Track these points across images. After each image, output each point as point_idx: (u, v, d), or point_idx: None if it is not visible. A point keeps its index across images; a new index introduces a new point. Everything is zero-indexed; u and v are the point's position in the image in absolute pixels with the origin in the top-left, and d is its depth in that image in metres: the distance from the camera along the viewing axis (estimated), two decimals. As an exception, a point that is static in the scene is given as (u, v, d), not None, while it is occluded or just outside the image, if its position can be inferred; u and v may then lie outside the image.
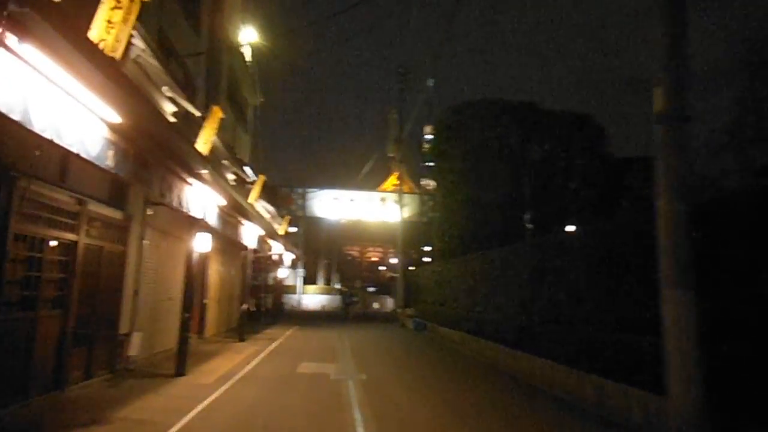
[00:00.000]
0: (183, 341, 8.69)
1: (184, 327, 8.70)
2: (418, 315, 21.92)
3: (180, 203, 6.77)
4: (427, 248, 38.19)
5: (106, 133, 4.24)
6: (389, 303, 45.37)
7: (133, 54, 6.11)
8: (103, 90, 3.86)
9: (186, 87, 10.40)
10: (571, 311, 8.66)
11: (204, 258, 14.25)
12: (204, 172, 6.35)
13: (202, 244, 8.81)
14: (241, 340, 13.81)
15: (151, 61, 6.34)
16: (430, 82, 24.06)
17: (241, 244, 12.55)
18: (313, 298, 38.67)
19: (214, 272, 15.34)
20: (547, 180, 19.64)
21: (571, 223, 18.05)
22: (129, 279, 9.21)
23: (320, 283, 46.58)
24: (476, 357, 12.49)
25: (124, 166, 4.68)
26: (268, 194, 18.36)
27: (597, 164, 18.43)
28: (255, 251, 13.90)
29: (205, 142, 7.34)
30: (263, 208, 15.21)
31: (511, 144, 19.09)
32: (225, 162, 10.98)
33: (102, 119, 4.17)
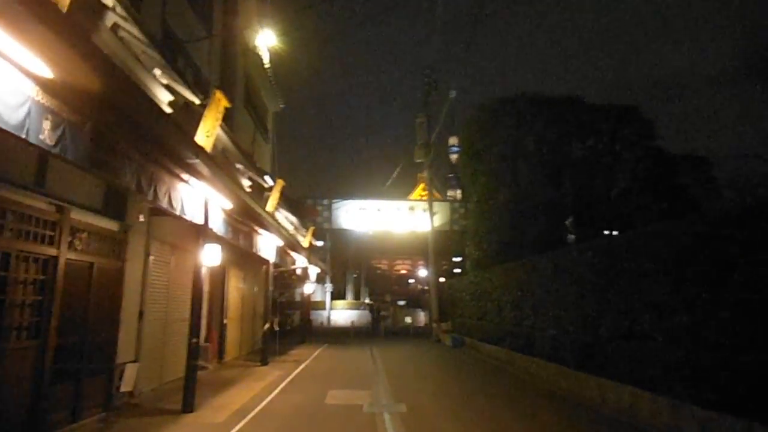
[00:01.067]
0: (191, 371, 7.42)
1: (192, 354, 7.43)
2: (455, 330, 20.34)
3: (171, 203, 5.54)
4: (457, 259, 36.63)
5: (32, 91, 3.04)
6: (421, 317, 43.74)
7: (108, 21, 4.95)
8: (24, 29, 2.65)
9: (196, 84, 9.36)
10: (655, 325, 7.07)
11: (222, 274, 13.12)
12: (195, 161, 5.10)
13: (210, 256, 7.58)
14: (264, 363, 12.54)
15: (132, 31, 5.18)
16: (453, 94, 22.71)
17: (260, 257, 11.34)
18: (342, 314, 37.36)
19: (234, 289, 14.18)
20: (590, 180, 17.95)
21: (618, 228, 16.31)
22: (130, 300, 8.04)
23: (349, 298, 45.29)
24: (528, 378, 10.89)
25: (73, 146, 3.46)
26: (291, 206, 17.23)
27: (649, 161, 16.65)
28: (276, 265, 12.67)
29: (207, 134, 6.11)
30: (285, 218, 14.02)
31: (550, 142, 17.49)
32: (239, 166, 9.81)
33: (24, 69, 2.96)
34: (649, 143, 16.95)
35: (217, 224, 6.78)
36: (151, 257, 8.98)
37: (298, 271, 14.61)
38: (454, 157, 63.97)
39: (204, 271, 7.75)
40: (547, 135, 17.68)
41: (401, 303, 47.41)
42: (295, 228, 15.84)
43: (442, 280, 29.50)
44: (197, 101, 6.31)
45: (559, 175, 17.57)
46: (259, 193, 10.81)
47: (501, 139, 17.58)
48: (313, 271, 17.65)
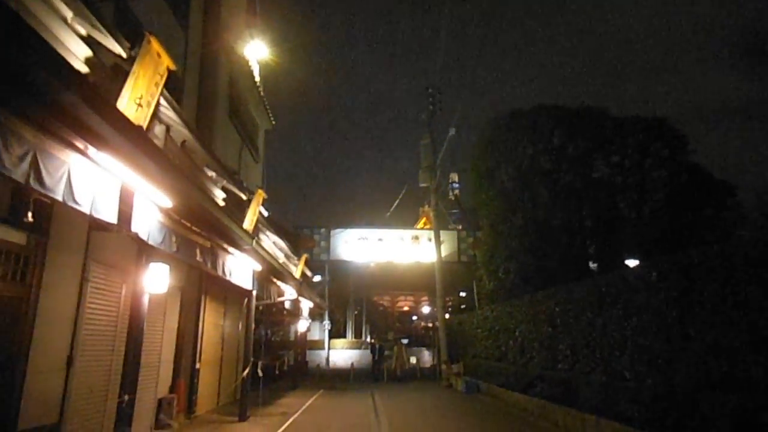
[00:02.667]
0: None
1: (122, 418, 5.30)
2: (467, 372, 17.98)
3: (72, 194, 3.56)
4: (462, 294, 34.26)
5: None
6: (426, 356, 41.01)
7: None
8: None
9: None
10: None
11: (195, 307, 11.03)
12: (106, 128, 3.20)
13: (155, 281, 5.56)
14: (243, 419, 10.29)
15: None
16: (452, 132, 21.32)
17: (238, 286, 9.30)
18: (341, 354, 34.78)
19: (212, 326, 12.04)
20: (614, 201, 16.02)
21: (645, 255, 14.28)
22: (47, 342, 5.97)
23: (349, 337, 42.69)
24: (572, 438, 8.64)
25: None
26: (285, 235, 15.25)
27: (684, 178, 14.75)
28: (258, 297, 10.59)
29: (137, 101, 4.22)
30: (272, 243, 12.02)
31: (570, 159, 15.67)
32: (210, 173, 7.90)
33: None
34: (683, 158, 15.09)
35: (154, 232, 4.80)
36: (90, 284, 6.96)
37: (287, 305, 12.49)
38: (455, 193, 62.33)
39: (144, 299, 5.70)
40: (567, 151, 15.87)
41: (404, 341, 44.79)
42: (286, 256, 13.83)
43: (447, 316, 27.19)
44: (125, 54, 4.43)
45: (581, 196, 15.65)
46: (238, 209, 8.85)
47: (515, 156, 15.75)
48: (306, 305, 15.49)
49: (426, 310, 70.48)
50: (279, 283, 11.15)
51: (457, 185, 64.79)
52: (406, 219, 30.59)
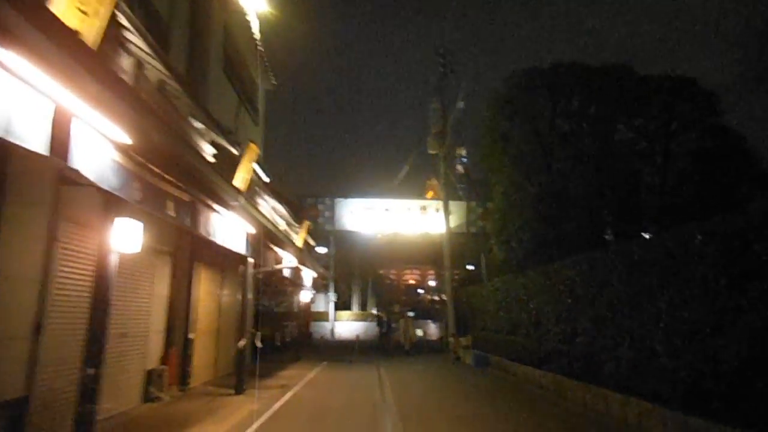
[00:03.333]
0: (83, 421, 4.56)
1: (86, 396, 4.58)
2: (476, 346, 17.35)
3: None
4: (470, 267, 33.53)
5: None
6: (432, 329, 40.60)
7: None
8: None
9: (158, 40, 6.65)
10: None
11: (187, 275, 10.32)
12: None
13: (125, 239, 4.78)
14: (239, 391, 9.66)
15: None
16: (461, 104, 20.38)
17: (234, 252, 8.55)
18: (347, 326, 34.41)
19: (206, 295, 11.36)
20: (638, 166, 15.03)
21: (669, 224, 13.37)
22: (10, 305, 5.25)
23: (355, 309, 42.35)
24: (594, 416, 7.91)
25: None
26: (288, 204, 14.44)
27: (714, 142, 13.70)
28: (256, 264, 9.84)
29: (80, 3, 3.34)
30: (271, 208, 11.22)
31: (591, 120, 14.63)
32: (198, 125, 7.04)
33: None
34: (714, 121, 14.02)
35: (108, 173, 3.94)
36: (60, 245, 6.20)
37: (287, 273, 11.75)
38: (461, 168, 60.97)
39: (112, 259, 4.92)
40: (587, 113, 14.83)
41: (410, 314, 44.42)
42: (288, 224, 13.05)
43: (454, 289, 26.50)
44: None
45: (601, 162, 14.67)
46: (232, 167, 8.01)
47: (532, 118, 14.73)
48: (308, 275, 14.78)
49: (432, 283, 70.23)
50: (278, 250, 10.40)
51: (464, 159, 63.22)
52: (412, 190, 29.74)
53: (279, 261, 10.77)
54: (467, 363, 16.43)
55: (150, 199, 4.54)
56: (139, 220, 4.95)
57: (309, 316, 24.69)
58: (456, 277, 41.22)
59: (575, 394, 9.09)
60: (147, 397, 8.69)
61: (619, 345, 7.97)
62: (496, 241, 16.15)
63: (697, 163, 13.55)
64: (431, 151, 20.98)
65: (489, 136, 15.71)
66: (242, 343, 9.67)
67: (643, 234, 14.06)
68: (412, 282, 78.86)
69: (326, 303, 35.46)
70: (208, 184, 5.29)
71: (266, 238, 9.29)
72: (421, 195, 28.13)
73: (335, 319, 33.31)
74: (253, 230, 7.72)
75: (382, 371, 14.37)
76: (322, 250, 32.48)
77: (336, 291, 35.06)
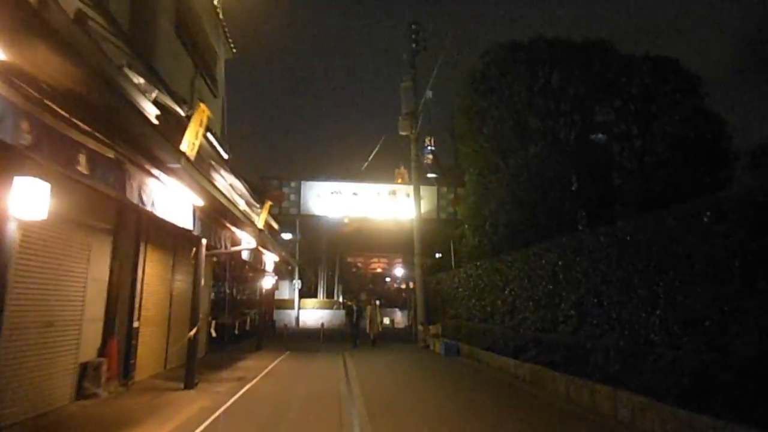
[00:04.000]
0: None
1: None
2: (446, 334, 16.75)
3: None
4: (438, 255, 33.00)
5: None
6: (398, 317, 40.06)
7: None
8: None
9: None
10: None
11: (132, 255, 9.21)
12: None
13: (27, 203, 3.75)
14: (189, 386, 8.67)
15: None
16: (429, 95, 19.79)
17: (187, 233, 7.50)
18: (312, 314, 33.46)
19: (156, 279, 10.24)
20: (615, 149, 14.56)
21: (647, 208, 13.01)
22: None
23: (321, 297, 41.41)
24: (580, 411, 7.30)
25: None
26: (251, 188, 13.30)
27: (695, 125, 13.28)
28: (209, 246, 8.80)
29: None
30: (229, 185, 10.15)
31: (570, 99, 14.03)
32: (138, 79, 5.94)
33: None
34: (694, 103, 13.62)
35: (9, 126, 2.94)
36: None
37: (245, 256, 10.70)
38: (429, 157, 60.20)
39: (10, 229, 3.88)
40: (567, 92, 14.23)
41: (377, 302, 43.85)
42: (248, 204, 11.98)
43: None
44: None
45: (580, 142, 14.14)
46: (177, 131, 6.93)
47: (510, 96, 14.03)
48: (270, 259, 13.75)
49: (399, 272, 69.87)
50: (234, 229, 9.36)
51: (430, 149, 62.29)
52: (382, 175, 28.82)
53: (236, 242, 9.74)
54: (437, 352, 15.80)
55: (51, 149, 3.51)
56: (47, 180, 3.91)
57: (272, 303, 23.64)
58: (424, 264, 40.72)
59: (556, 385, 8.49)
60: (80, 394, 7.62)
61: (607, 333, 7.37)
62: (470, 226, 15.49)
63: (677, 148, 13.13)
64: (402, 132, 20.09)
65: (464, 115, 14.95)
66: (193, 332, 8.65)
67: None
68: (378, 270, 78.47)
69: (291, 290, 34.40)
70: (140, 137, 4.29)
71: (221, 215, 8.26)
72: (391, 180, 27.22)
73: (300, 307, 32.32)
74: (201, 202, 6.68)
75: (349, 361, 13.57)
76: (287, 236, 31.39)
77: (301, 278, 34.04)
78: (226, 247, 9.04)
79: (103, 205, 7.65)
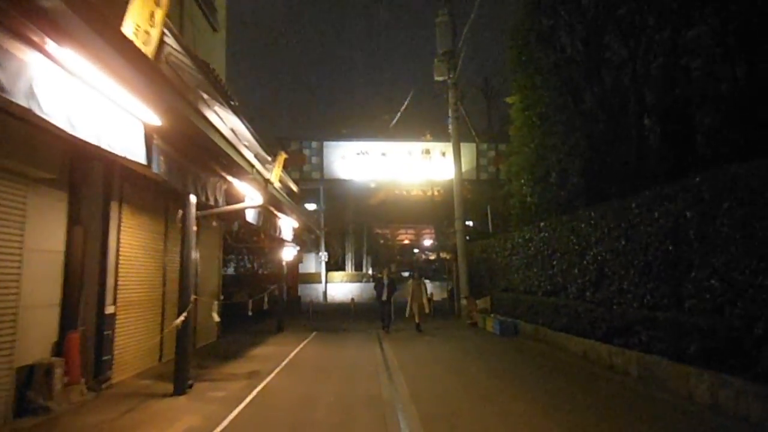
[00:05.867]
0: None
1: None
2: (497, 310, 14.30)
3: None
4: (469, 223, 30.30)
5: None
6: (430, 290, 37.79)
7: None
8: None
9: None
10: None
11: (99, 220, 6.94)
12: None
13: None
14: (179, 390, 6.44)
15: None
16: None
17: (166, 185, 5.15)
18: (340, 288, 31.44)
19: (139, 251, 7.98)
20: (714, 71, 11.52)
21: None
22: None
23: (349, 269, 39.35)
24: (728, 423, 4.79)
25: None
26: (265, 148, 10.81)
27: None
28: (200, 204, 6.43)
29: None
30: (226, 125, 7.66)
31: (665, 9, 10.98)
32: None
33: None
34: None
35: None
36: None
37: (250, 217, 8.20)
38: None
39: None
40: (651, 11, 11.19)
41: (405, 275, 41.60)
42: (260, 159, 9.57)
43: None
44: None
45: (670, 67, 11.14)
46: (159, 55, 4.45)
47: (583, 8, 11.09)
48: (287, 225, 11.36)
49: (427, 243, 67.47)
50: (232, 179, 6.93)
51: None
52: (413, 131, 26.14)
53: (237, 199, 7.37)
54: (489, 331, 13.37)
55: None
56: None
57: (296, 277, 21.54)
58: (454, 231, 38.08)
59: (689, 386, 5.94)
60: (21, 410, 5.46)
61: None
62: (527, 180, 12.75)
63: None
64: (438, 78, 17.25)
65: (518, 44, 12.04)
66: (180, 320, 6.36)
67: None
68: (406, 242, 76.19)
69: (317, 263, 32.33)
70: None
71: (209, 155, 5.83)
72: (423, 137, 24.47)
73: (327, 281, 30.25)
74: (156, 119, 4.18)
75: (386, 344, 11.29)
76: (311, 206, 29.10)
77: (327, 250, 31.88)
78: (217, 202, 6.63)
79: (38, 142, 5.31)
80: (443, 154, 21.43)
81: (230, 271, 23.47)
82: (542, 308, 10.98)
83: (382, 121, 26.41)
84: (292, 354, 9.96)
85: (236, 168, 6.28)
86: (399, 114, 21.15)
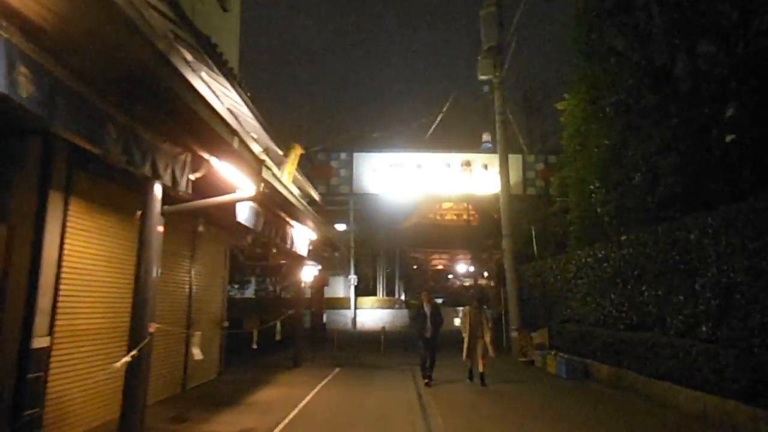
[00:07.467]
0: None
1: None
2: (557, 345, 11.79)
3: None
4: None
5: None
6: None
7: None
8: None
9: None
10: None
11: (30, 214, 5.02)
12: None
13: None
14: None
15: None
16: (485, 90, 18.32)
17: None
18: (371, 314, 29.14)
19: (98, 260, 6.02)
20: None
21: None
22: None
23: (380, 294, 37.02)
24: None
25: None
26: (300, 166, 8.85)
27: None
28: (173, 197, 4.44)
29: None
30: (222, 103, 5.66)
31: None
32: None
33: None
34: None
35: None
36: None
37: (242, 216, 6.04)
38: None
39: None
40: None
41: (439, 301, 38.96)
42: (269, 154, 7.62)
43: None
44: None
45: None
46: None
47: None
48: (302, 235, 9.18)
49: (462, 268, 64.65)
50: (209, 157, 4.87)
51: (489, 146, 55.58)
52: (451, 141, 23.98)
53: (221, 188, 5.34)
54: (550, 372, 10.85)
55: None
56: None
57: (321, 301, 19.40)
58: (498, 256, 35.37)
59: None
60: None
61: None
62: (599, 187, 10.35)
63: None
64: (482, 77, 15.13)
65: (590, 13, 9.84)
66: (125, 360, 4.30)
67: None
68: (440, 267, 73.48)
69: (346, 287, 30.25)
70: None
71: (161, 109, 3.81)
72: (462, 148, 22.28)
73: (357, 306, 28.04)
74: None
75: (422, 385, 8.97)
76: (340, 227, 27.14)
77: (357, 273, 29.77)
78: (177, 183, 4.58)
79: None
80: (485, 166, 19.19)
81: (249, 293, 21.62)
82: (627, 347, 8.47)
83: (416, 129, 24.39)
84: (305, 400, 7.76)
85: (209, 134, 4.22)
86: (438, 120, 19.08)
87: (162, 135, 4.13)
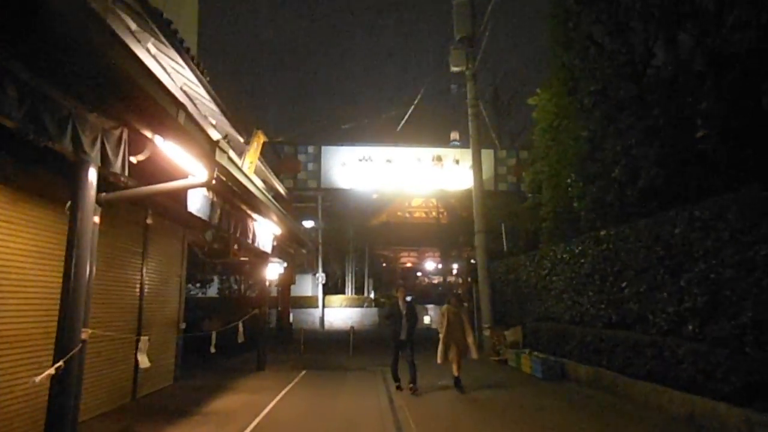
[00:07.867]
0: None
1: None
2: (533, 344, 11.47)
3: None
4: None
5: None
6: (434, 315, 34.78)
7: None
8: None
9: None
10: None
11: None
12: None
13: None
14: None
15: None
16: (454, 89, 16.61)
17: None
18: (339, 313, 28.46)
19: (5, 256, 5.26)
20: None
21: None
22: None
23: (349, 293, 36.38)
24: None
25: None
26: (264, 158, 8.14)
27: None
28: (114, 183, 3.76)
29: None
30: (174, 81, 4.95)
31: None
32: None
33: None
34: None
35: None
36: None
37: (193, 206, 5.45)
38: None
39: None
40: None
41: (408, 299, 38.59)
42: (230, 142, 6.95)
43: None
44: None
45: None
46: None
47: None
48: (265, 230, 8.52)
49: (430, 266, 64.65)
50: (156, 138, 4.23)
51: (457, 144, 55.75)
52: (423, 136, 23.58)
53: (169, 174, 4.69)
54: (525, 372, 10.51)
55: None
56: None
57: (287, 301, 18.69)
58: (466, 255, 35.27)
59: None
60: None
61: None
62: (575, 180, 10.07)
63: None
64: (455, 69, 14.72)
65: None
66: (47, 374, 3.62)
67: None
68: (408, 265, 73.36)
69: (314, 285, 29.53)
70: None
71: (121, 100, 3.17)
72: (434, 142, 21.82)
73: (325, 305, 27.36)
74: None
75: (394, 390, 8.46)
76: (308, 224, 26.41)
77: (326, 271, 29.09)
78: (116, 168, 3.91)
79: None
80: (457, 161, 18.85)
81: (212, 292, 20.67)
82: (607, 345, 8.17)
83: (386, 122, 23.86)
84: (268, 408, 7.14)
85: (147, 104, 3.55)
86: (409, 113, 18.53)
87: (87, 103, 3.45)
